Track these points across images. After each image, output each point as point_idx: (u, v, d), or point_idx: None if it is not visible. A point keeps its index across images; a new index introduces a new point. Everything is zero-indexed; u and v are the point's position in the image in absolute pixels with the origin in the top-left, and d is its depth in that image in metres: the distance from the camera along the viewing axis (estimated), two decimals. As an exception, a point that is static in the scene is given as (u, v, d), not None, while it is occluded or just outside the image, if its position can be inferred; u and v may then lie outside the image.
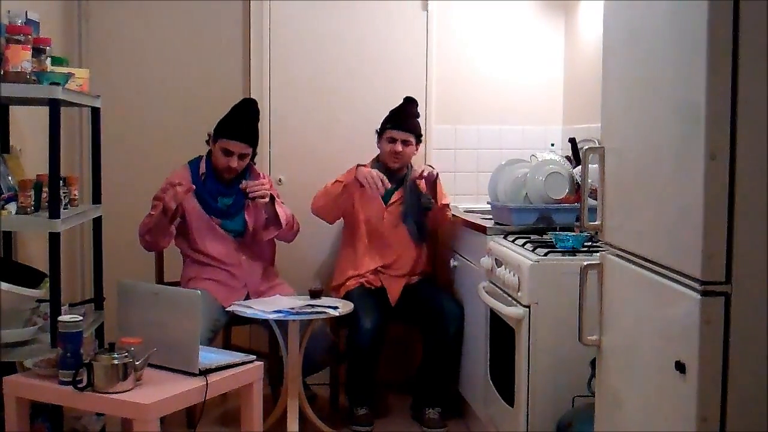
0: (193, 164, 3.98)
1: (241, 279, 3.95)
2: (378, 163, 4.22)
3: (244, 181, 3.86)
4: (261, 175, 4.02)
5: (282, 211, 3.93)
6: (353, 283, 4.15)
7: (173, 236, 3.91)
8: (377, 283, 4.16)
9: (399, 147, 4.15)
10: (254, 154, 4.01)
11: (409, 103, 4.24)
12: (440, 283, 4.33)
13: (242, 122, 3.90)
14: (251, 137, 3.91)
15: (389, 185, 4.03)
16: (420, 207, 4.16)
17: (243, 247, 3.98)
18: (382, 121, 4.23)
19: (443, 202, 4.14)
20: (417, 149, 4.26)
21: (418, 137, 4.23)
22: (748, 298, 1.82)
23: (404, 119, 4.19)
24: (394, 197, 4.21)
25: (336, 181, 4.10)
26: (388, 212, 4.19)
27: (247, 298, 3.90)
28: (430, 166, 4.12)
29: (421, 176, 4.02)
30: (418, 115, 4.25)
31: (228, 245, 3.95)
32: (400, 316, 4.12)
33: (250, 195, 3.82)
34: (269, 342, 4.18)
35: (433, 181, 4.06)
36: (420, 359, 4.12)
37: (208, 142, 3.97)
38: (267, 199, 3.84)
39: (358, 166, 4.08)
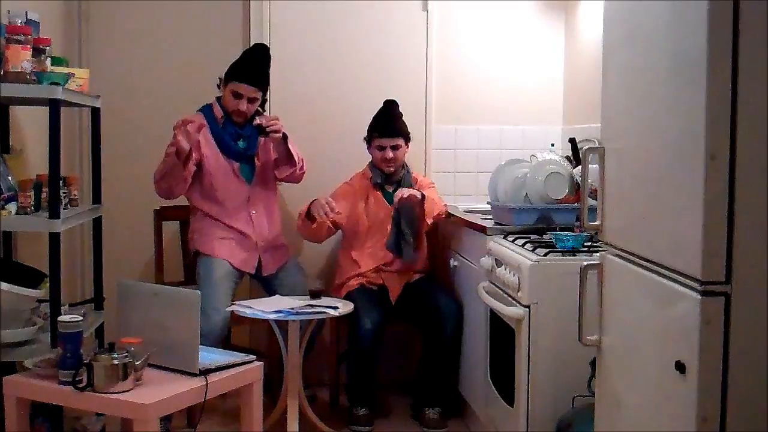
0: (206, 110, 4.02)
1: (251, 236, 4.00)
2: (375, 168, 4.24)
3: (258, 117, 3.92)
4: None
5: (294, 150, 3.99)
6: (354, 283, 4.15)
7: (188, 183, 3.90)
8: (378, 281, 4.16)
9: (389, 153, 4.16)
10: (264, 100, 4.07)
11: (390, 106, 4.24)
12: (440, 283, 4.33)
13: (253, 66, 3.96)
14: (261, 81, 3.97)
15: (338, 211, 4.02)
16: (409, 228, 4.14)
17: (253, 196, 4.03)
18: (367, 128, 4.24)
19: (434, 214, 4.07)
20: (408, 147, 4.25)
21: (407, 137, 4.22)
22: (748, 298, 1.82)
23: (388, 124, 4.19)
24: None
25: (299, 214, 4.13)
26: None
27: (259, 260, 4.03)
28: (419, 190, 4.07)
29: (401, 201, 3.98)
30: (400, 116, 4.24)
31: (241, 193, 4.00)
32: (400, 315, 4.12)
33: (267, 129, 3.86)
34: (268, 342, 4.19)
35: (419, 201, 4.03)
36: (419, 359, 4.12)
37: (219, 86, 4.01)
38: (280, 135, 3.90)
39: (313, 201, 4.03)
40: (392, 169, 4.21)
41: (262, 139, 4.02)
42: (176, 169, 3.78)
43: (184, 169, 3.79)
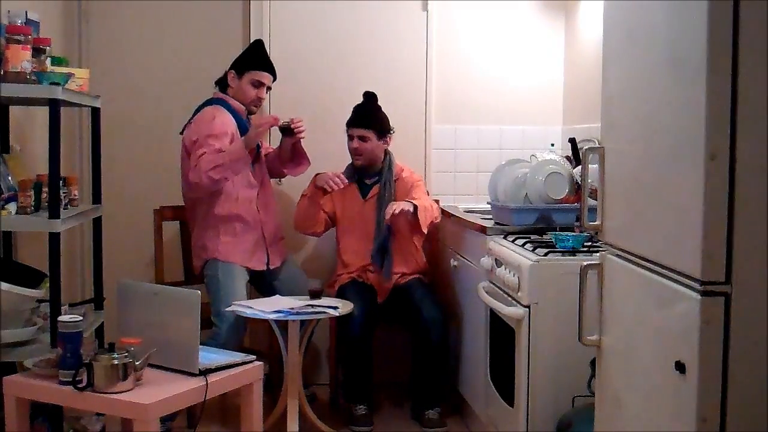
0: (224, 104, 4.00)
1: (260, 230, 4.02)
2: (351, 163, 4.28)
3: (283, 119, 3.98)
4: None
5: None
6: (345, 278, 4.18)
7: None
8: (368, 281, 4.18)
9: (355, 143, 4.17)
10: None
11: (365, 99, 4.23)
12: (435, 283, 4.33)
13: (267, 56, 4.08)
14: (275, 72, 4.08)
15: (346, 181, 4.11)
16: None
17: (260, 189, 4.06)
18: None
19: (428, 223, 4.02)
20: (386, 142, 4.20)
21: (381, 131, 4.17)
22: (748, 298, 1.82)
23: (358, 115, 4.20)
24: (372, 192, 4.22)
25: (302, 195, 4.19)
26: (368, 205, 4.20)
27: (267, 255, 4.05)
28: (409, 201, 3.99)
29: (391, 217, 3.93)
30: (376, 109, 4.21)
31: (253, 187, 4.02)
32: (392, 316, 4.13)
33: (297, 130, 3.96)
34: (268, 342, 4.19)
35: (412, 214, 3.98)
36: (412, 364, 4.12)
37: (218, 82, 4.05)
38: (304, 135, 4.02)
39: (316, 175, 4.14)
40: (360, 161, 4.19)
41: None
42: (243, 160, 3.82)
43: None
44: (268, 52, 4.15)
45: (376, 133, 4.17)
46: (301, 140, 4.07)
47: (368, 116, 4.19)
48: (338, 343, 4.08)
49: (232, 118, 3.95)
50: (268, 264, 4.05)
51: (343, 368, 4.08)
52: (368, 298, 4.06)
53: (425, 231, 4.05)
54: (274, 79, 4.09)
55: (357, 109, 4.22)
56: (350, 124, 4.20)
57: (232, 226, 3.95)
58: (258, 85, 4.00)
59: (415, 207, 3.97)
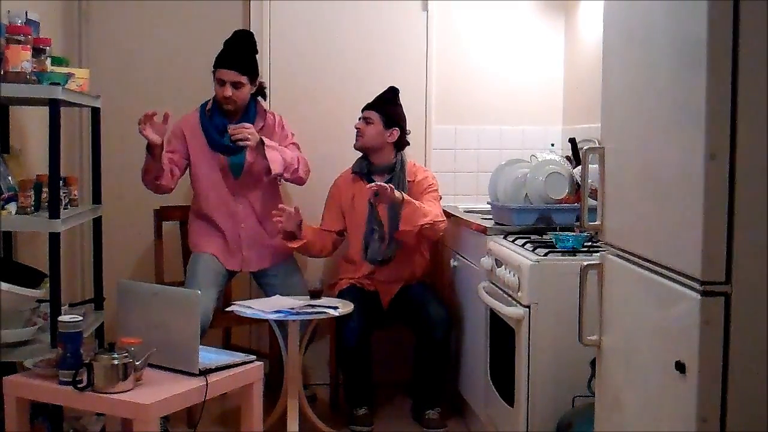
0: (203, 104, 4.08)
1: (233, 231, 4.02)
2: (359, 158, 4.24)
3: (230, 126, 3.91)
4: (269, 114, 4.11)
5: (276, 156, 3.91)
6: (345, 283, 4.16)
7: (171, 173, 3.91)
8: (371, 288, 4.15)
9: (358, 123, 4.14)
10: (261, 90, 4.09)
11: (386, 90, 4.22)
12: (438, 284, 4.33)
13: (231, 51, 3.99)
14: (240, 64, 3.95)
15: (294, 208, 3.96)
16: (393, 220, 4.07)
17: (239, 192, 4.03)
18: None
19: (415, 223, 3.86)
20: (392, 135, 4.11)
21: (388, 119, 4.11)
22: (748, 298, 1.82)
23: (372, 100, 4.19)
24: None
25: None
26: (381, 205, 4.10)
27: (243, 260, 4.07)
28: (402, 193, 3.92)
29: (374, 195, 3.87)
30: (390, 100, 4.18)
31: (225, 187, 4.01)
32: (396, 318, 4.12)
33: (232, 139, 3.87)
34: (269, 342, 4.19)
35: (398, 202, 3.88)
36: (413, 363, 4.12)
37: None
38: (251, 143, 3.86)
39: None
40: (358, 142, 4.13)
41: None
42: (147, 160, 3.81)
43: (157, 160, 3.79)
44: (258, 47, 4.07)
45: (382, 118, 4.12)
46: (266, 148, 3.86)
47: (378, 101, 4.17)
48: (337, 349, 4.07)
49: (197, 118, 3.99)
50: (243, 266, 4.07)
51: (343, 375, 4.09)
52: (367, 305, 4.01)
53: (405, 228, 3.87)
54: (250, 76, 3.97)
55: (375, 97, 4.22)
56: (363, 108, 4.19)
57: (203, 223, 4.04)
58: (221, 83, 3.95)
59: (403, 199, 3.87)
